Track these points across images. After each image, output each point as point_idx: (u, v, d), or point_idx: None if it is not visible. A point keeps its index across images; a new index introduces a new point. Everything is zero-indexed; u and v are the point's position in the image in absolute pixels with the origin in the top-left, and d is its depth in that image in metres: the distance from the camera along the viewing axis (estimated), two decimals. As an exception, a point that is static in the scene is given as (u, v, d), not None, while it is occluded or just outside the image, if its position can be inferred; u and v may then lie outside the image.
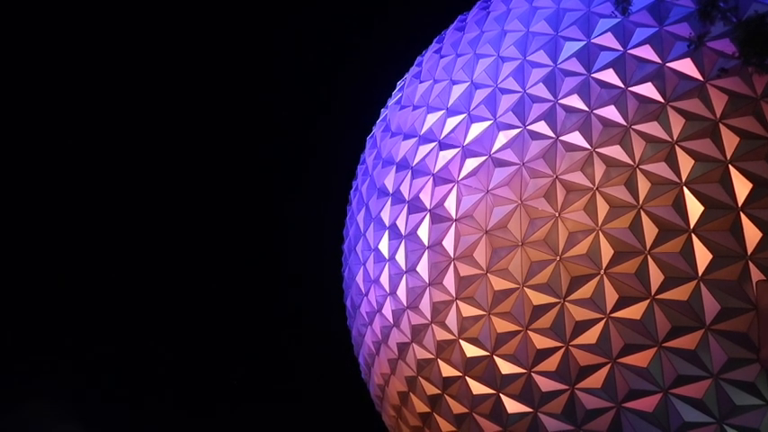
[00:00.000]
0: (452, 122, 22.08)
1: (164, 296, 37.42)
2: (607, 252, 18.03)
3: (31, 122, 36.94)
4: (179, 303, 37.52)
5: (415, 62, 27.58)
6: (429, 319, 21.29)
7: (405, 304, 22.05)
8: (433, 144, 22.28)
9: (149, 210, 38.55)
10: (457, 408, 21.25)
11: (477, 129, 21.25)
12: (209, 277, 38.29)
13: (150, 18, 38.22)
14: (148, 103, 38.74)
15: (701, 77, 18.16)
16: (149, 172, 39.30)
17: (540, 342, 18.97)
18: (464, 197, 20.69)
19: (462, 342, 20.53)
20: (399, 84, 27.94)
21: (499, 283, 19.55)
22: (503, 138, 20.45)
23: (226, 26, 39.50)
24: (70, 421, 31.36)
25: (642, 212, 17.79)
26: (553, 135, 19.47)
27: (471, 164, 20.86)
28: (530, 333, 19.10)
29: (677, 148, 17.79)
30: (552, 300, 18.70)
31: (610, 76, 19.23)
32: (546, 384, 19.13)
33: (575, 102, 19.49)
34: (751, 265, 16.91)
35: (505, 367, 19.75)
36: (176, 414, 34.48)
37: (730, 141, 17.44)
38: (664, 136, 18.04)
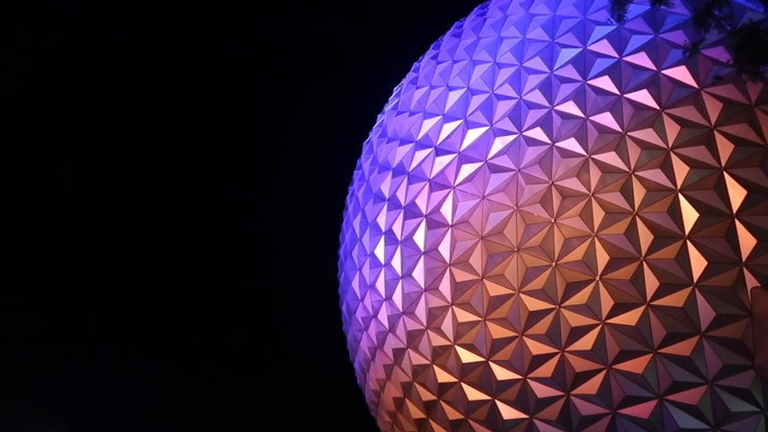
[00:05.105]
0: (449, 128, 22.10)
1: (156, 299, 37.33)
2: (602, 258, 18.06)
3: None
4: (169, 306, 37.39)
5: (412, 68, 27.62)
6: (425, 324, 21.25)
7: (400, 310, 22.02)
8: (430, 150, 22.30)
9: (143, 213, 38.49)
10: (452, 414, 21.20)
11: (473, 135, 21.28)
12: (200, 281, 38.18)
13: (141, 18, 38.22)
14: (144, 103, 38.73)
15: (695, 85, 18.24)
16: (142, 174, 39.26)
17: (536, 348, 18.96)
18: (460, 203, 20.70)
19: (458, 348, 20.50)
20: (396, 89, 27.96)
21: (495, 289, 19.54)
22: (499, 144, 20.48)
23: (221, 28, 39.53)
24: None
25: (637, 219, 17.83)
26: (549, 141, 19.51)
27: (467, 170, 20.88)
28: (525, 339, 19.10)
29: (672, 155, 17.86)
30: (548, 306, 18.70)
31: (605, 83, 19.29)
32: (541, 390, 19.12)
33: (570, 108, 19.55)
34: (746, 271, 16.97)
35: (501, 373, 19.73)
36: (168, 416, 34.32)
37: (725, 148, 17.51)
38: (659, 143, 18.10)
